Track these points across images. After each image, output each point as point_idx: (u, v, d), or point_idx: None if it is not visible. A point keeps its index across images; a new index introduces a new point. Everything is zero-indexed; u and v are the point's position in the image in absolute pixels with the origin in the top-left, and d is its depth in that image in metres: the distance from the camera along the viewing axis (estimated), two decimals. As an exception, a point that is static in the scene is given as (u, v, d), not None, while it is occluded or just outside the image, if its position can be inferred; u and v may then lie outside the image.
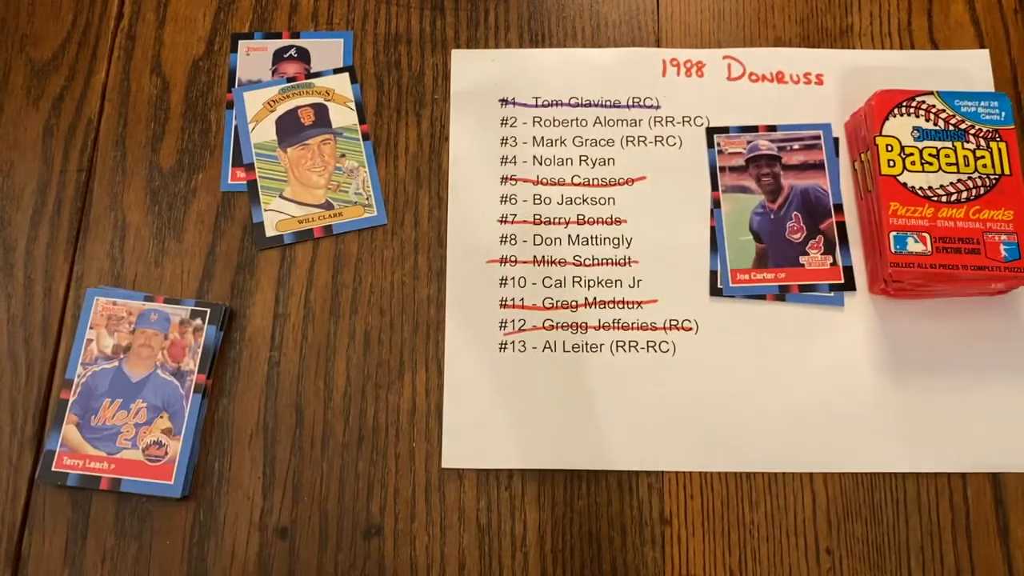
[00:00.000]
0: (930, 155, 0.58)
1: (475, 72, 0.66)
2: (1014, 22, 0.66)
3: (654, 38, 0.67)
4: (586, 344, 0.59)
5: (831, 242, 0.61)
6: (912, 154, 0.58)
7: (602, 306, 0.60)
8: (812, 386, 0.58)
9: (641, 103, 0.65)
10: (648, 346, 0.59)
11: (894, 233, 0.56)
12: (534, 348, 0.59)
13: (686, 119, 0.64)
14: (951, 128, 0.59)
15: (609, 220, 0.62)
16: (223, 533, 0.56)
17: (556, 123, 0.65)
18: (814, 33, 0.67)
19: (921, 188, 0.57)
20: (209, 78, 0.66)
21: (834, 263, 0.60)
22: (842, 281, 0.60)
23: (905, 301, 0.60)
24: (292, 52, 0.67)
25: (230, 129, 0.64)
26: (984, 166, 0.58)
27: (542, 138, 0.64)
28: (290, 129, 0.64)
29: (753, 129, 0.64)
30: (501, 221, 0.62)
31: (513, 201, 0.63)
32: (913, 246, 0.56)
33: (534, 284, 0.61)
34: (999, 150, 0.58)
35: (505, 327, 0.60)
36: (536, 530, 0.56)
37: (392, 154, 0.64)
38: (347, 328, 0.60)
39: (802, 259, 0.60)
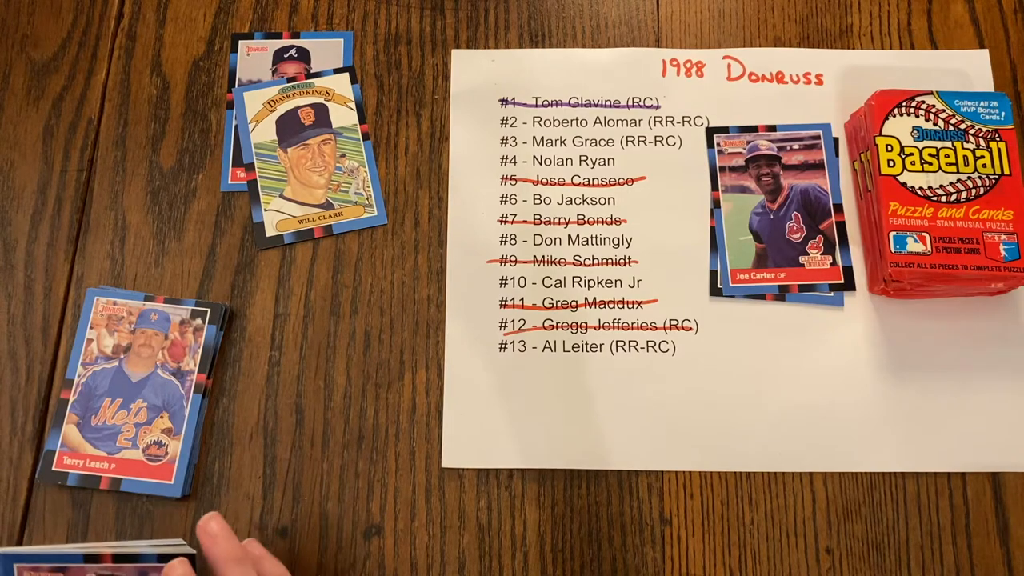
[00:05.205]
0: (930, 155, 0.58)
1: (475, 72, 0.66)
2: (1014, 22, 0.66)
3: (654, 38, 0.67)
4: (586, 344, 0.59)
5: (831, 242, 0.61)
6: (912, 154, 0.58)
7: (602, 306, 0.60)
8: (812, 386, 0.58)
9: (641, 103, 0.65)
10: (648, 346, 0.59)
11: (894, 233, 0.56)
12: (534, 348, 0.59)
13: (686, 119, 0.64)
14: (951, 128, 0.59)
15: (609, 220, 0.62)
16: (223, 533, 0.56)
17: (556, 123, 0.65)
18: (814, 33, 0.67)
19: (921, 188, 0.57)
20: (209, 78, 0.66)
21: (834, 263, 0.60)
22: (842, 281, 0.60)
23: (905, 301, 0.60)
24: (292, 52, 0.67)
25: (230, 129, 0.64)
26: (984, 166, 0.58)
27: (542, 138, 0.64)
28: (290, 129, 0.64)
29: (753, 129, 0.64)
30: (501, 221, 0.62)
31: (513, 201, 0.63)
32: (913, 246, 0.56)
33: (534, 284, 0.61)
34: (999, 150, 0.58)
35: (505, 327, 0.60)
36: (536, 530, 0.56)
37: (392, 154, 0.64)
38: (347, 328, 0.60)
39: (802, 259, 0.60)
